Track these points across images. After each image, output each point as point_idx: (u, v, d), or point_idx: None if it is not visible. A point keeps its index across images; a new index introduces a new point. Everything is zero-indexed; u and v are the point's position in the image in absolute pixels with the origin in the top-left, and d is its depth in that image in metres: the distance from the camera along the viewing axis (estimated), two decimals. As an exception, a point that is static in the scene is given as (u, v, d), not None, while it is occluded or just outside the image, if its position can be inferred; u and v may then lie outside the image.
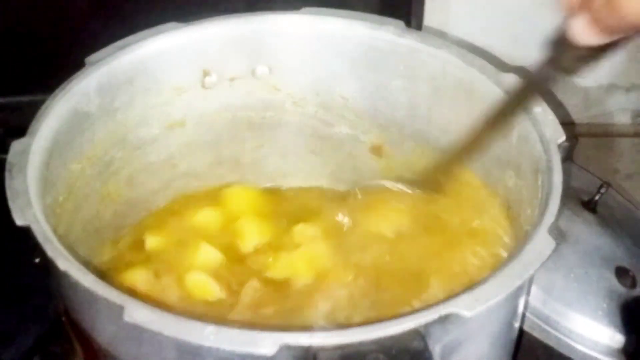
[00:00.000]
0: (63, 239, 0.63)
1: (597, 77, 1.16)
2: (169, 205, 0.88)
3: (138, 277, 0.77)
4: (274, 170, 0.92)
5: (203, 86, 0.84)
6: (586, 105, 1.17)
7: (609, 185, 0.90)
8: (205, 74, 0.84)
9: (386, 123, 0.86)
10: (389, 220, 0.80)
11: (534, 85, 0.70)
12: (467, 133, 0.75)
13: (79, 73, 0.76)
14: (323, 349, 0.54)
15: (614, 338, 0.82)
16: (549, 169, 0.68)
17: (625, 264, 0.84)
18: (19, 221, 0.62)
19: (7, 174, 0.66)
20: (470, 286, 0.58)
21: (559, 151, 0.69)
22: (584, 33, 0.61)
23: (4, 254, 0.87)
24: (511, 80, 0.75)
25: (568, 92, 1.14)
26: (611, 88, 1.17)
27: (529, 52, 1.11)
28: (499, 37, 1.07)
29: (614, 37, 0.61)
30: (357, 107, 0.87)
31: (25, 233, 0.62)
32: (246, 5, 0.84)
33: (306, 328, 0.70)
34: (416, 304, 0.72)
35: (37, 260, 0.62)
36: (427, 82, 0.81)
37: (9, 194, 0.64)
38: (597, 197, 0.89)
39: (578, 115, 1.14)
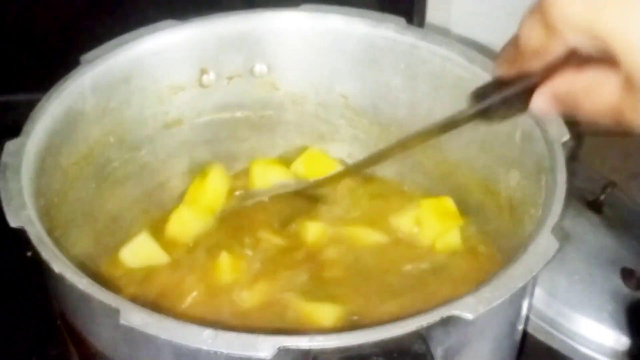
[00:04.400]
0: (58, 241, 0.63)
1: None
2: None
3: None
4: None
5: (201, 85, 0.84)
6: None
7: (614, 184, 0.89)
8: (203, 72, 0.83)
9: (386, 121, 0.86)
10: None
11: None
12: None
13: (74, 72, 0.76)
14: (322, 352, 0.53)
15: (619, 340, 0.81)
16: (553, 168, 0.67)
17: (630, 265, 0.84)
18: (14, 223, 0.61)
19: (0, 175, 0.65)
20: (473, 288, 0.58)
21: (563, 150, 0.69)
22: (544, 106, 0.59)
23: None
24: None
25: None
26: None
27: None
28: (501, 34, 1.06)
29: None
30: (357, 106, 0.86)
31: (20, 232, 0.61)
32: (244, 3, 0.84)
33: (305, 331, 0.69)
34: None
35: (29, 253, 0.61)
36: (428, 80, 0.81)
37: (3, 195, 0.64)
38: (602, 197, 0.89)
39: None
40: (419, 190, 0.87)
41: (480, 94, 0.64)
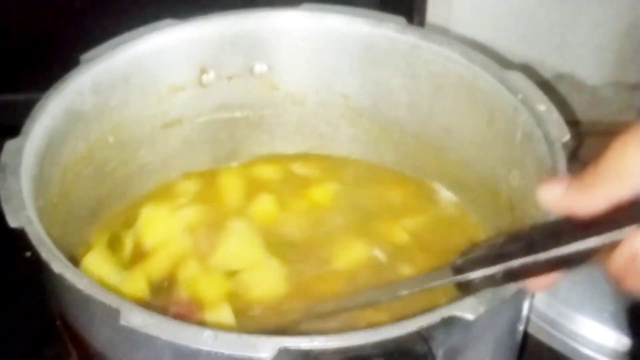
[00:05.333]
0: (57, 241, 0.62)
1: (602, 75, 1.16)
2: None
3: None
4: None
5: (200, 84, 0.83)
6: (591, 104, 1.17)
7: (614, 185, 0.89)
8: (203, 71, 0.83)
9: (387, 121, 0.85)
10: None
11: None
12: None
13: (73, 71, 0.75)
14: (323, 352, 0.53)
15: (620, 341, 0.81)
16: (554, 169, 0.67)
17: (631, 265, 0.84)
18: (13, 223, 0.61)
19: (0, 175, 0.65)
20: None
21: (564, 150, 0.68)
22: None
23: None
24: (514, 77, 0.75)
25: (573, 90, 1.13)
26: (617, 86, 1.17)
27: (533, 50, 1.12)
28: (502, 34, 1.06)
29: None
30: (358, 105, 0.86)
31: (20, 232, 0.61)
32: (244, 2, 0.83)
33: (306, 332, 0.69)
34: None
35: (28, 254, 0.61)
36: (429, 80, 0.81)
37: (2, 195, 0.63)
38: (602, 197, 0.88)
39: (583, 113, 1.14)
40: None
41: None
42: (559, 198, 0.52)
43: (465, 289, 0.57)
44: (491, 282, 0.56)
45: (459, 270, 0.58)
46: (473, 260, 0.57)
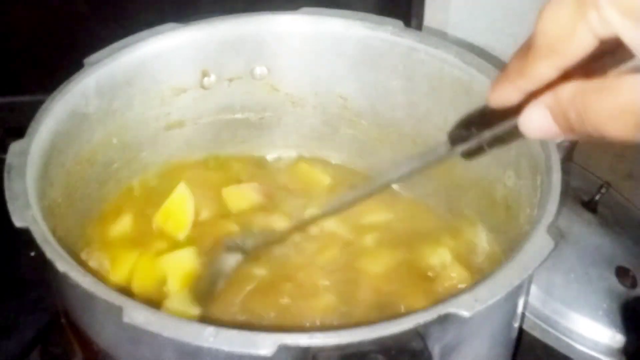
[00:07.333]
0: (62, 240, 0.63)
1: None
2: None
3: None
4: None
5: (202, 87, 0.84)
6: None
7: (609, 185, 0.90)
8: (204, 74, 0.84)
9: (385, 123, 0.86)
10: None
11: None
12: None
13: (77, 74, 0.76)
14: (322, 349, 0.54)
15: (615, 338, 0.81)
16: (548, 169, 0.68)
17: (625, 263, 0.84)
18: (18, 223, 0.62)
19: (5, 176, 0.66)
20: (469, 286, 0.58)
21: (558, 151, 0.69)
22: (540, 123, 0.49)
23: (2, 247, 0.87)
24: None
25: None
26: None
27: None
28: (498, 36, 1.06)
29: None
30: (356, 107, 0.87)
31: (25, 232, 0.62)
32: (245, 6, 0.84)
33: (305, 328, 0.70)
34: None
35: (32, 253, 0.61)
36: (426, 82, 0.81)
37: (7, 195, 0.64)
38: (597, 197, 0.89)
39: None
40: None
41: (462, 134, 0.59)
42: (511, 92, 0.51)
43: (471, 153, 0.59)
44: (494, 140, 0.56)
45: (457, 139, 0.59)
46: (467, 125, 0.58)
